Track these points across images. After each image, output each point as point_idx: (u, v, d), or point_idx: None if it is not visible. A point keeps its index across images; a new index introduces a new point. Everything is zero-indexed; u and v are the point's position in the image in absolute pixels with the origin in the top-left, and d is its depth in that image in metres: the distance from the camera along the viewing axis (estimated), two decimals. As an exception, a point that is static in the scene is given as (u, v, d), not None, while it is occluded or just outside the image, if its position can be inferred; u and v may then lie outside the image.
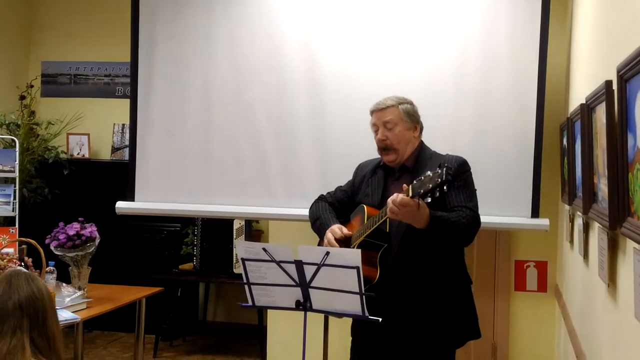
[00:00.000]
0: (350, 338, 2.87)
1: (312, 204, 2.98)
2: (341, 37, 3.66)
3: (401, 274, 2.58)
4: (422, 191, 2.31)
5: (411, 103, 2.79)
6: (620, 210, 1.72)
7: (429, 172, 2.33)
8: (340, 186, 2.99)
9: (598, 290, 2.15)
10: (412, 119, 2.75)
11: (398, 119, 2.71)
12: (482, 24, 3.52)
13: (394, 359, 2.70)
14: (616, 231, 1.80)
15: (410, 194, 2.36)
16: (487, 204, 3.48)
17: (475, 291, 3.96)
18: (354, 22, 3.66)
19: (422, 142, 2.79)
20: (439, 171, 2.29)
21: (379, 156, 2.81)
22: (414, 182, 2.38)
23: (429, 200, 2.35)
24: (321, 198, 2.98)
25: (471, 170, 2.70)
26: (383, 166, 2.80)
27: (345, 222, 2.82)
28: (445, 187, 2.29)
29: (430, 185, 2.29)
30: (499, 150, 3.51)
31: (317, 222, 2.85)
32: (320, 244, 2.81)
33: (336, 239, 2.67)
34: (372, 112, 2.79)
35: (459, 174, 2.59)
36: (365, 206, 2.71)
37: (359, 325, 2.74)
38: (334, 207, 2.90)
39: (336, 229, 2.71)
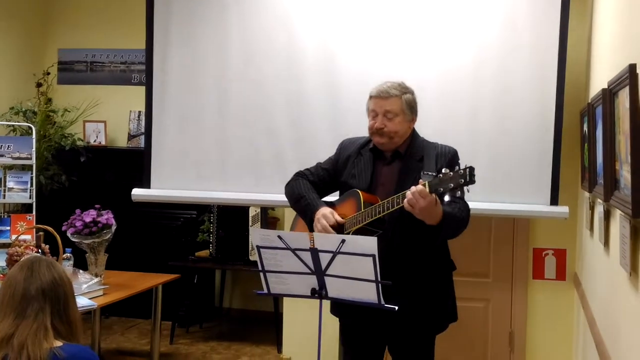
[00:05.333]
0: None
1: (291, 180, 2.90)
2: (357, 32, 3.61)
3: (393, 260, 2.56)
4: (442, 189, 2.31)
5: (412, 92, 2.74)
6: (643, 198, 1.68)
7: (446, 170, 2.32)
8: (320, 163, 2.92)
9: (619, 279, 2.11)
10: (412, 110, 2.71)
11: (399, 110, 2.66)
12: (502, 8, 3.46)
13: (380, 341, 2.78)
14: (639, 219, 1.76)
15: (428, 190, 2.34)
16: (506, 191, 3.46)
17: (492, 279, 4.00)
18: (370, 18, 3.60)
19: (413, 129, 2.76)
20: (461, 171, 2.27)
21: (364, 136, 2.79)
22: (424, 176, 2.37)
23: (448, 199, 2.34)
24: (300, 174, 2.90)
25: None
26: (372, 149, 2.76)
27: (330, 204, 2.77)
28: (467, 189, 2.29)
29: (452, 185, 2.28)
30: (518, 137, 3.46)
31: (302, 202, 2.78)
32: (308, 224, 2.75)
33: (330, 226, 2.64)
34: (373, 97, 2.71)
35: (452, 165, 2.56)
36: (360, 192, 2.65)
37: (343, 307, 2.71)
38: (316, 185, 2.84)
39: (329, 215, 2.66)
